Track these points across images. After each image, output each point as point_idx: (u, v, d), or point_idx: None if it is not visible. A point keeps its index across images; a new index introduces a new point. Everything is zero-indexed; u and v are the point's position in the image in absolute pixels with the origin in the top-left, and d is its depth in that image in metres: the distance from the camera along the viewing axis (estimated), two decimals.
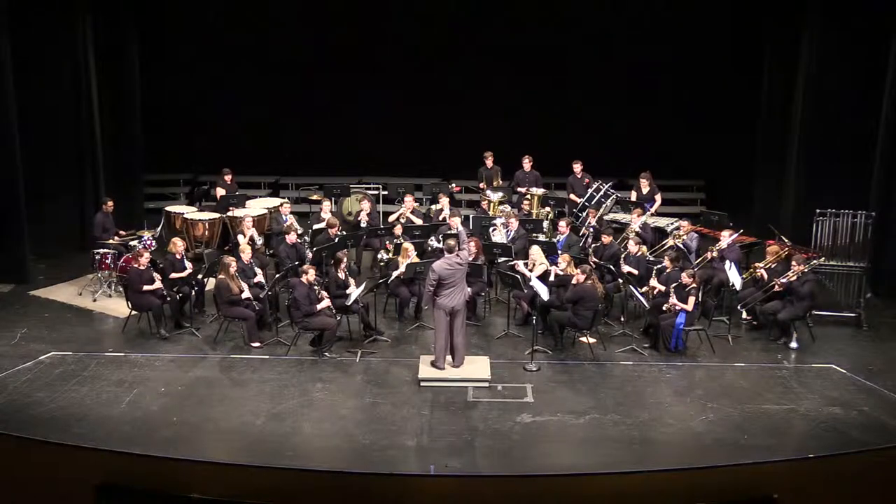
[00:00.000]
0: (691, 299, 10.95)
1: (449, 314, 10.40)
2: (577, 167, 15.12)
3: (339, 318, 11.24)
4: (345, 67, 17.22)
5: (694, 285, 11.03)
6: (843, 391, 10.19)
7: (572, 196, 15.01)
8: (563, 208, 15.05)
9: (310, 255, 12.52)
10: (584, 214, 14.24)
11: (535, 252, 11.88)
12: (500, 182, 15.45)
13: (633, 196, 14.78)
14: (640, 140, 16.93)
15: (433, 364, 10.46)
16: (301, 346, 11.19)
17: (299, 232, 13.08)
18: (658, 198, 14.64)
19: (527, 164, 15.22)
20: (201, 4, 17.10)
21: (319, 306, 10.97)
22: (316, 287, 11.02)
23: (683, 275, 11.15)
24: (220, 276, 11.23)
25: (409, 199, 14.17)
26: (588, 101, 16.81)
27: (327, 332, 10.96)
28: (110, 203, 13.55)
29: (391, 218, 14.10)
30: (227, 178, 15.20)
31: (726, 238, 12.20)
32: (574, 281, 11.02)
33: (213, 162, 16.31)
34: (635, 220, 13.28)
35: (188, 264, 11.94)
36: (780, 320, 11.35)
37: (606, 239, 12.67)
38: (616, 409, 9.74)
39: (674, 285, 11.14)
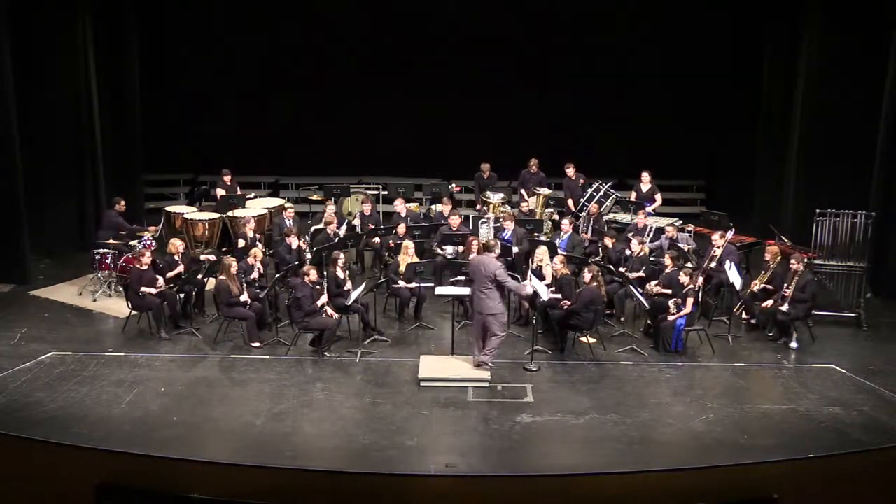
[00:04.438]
0: (689, 300, 10.95)
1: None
2: (570, 170, 15.11)
3: (339, 317, 11.24)
4: (345, 67, 17.25)
5: (692, 286, 11.03)
6: (843, 391, 10.19)
7: (570, 201, 14.98)
8: (563, 209, 15.04)
9: (309, 255, 12.51)
10: (585, 213, 14.25)
11: (542, 252, 11.89)
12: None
13: (633, 196, 14.77)
14: (640, 140, 16.95)
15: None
16: (301, 346, 11.19)
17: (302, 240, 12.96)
18: (658, 197, 14.63)
19: (533, 166, 15.21)
20: (201, 4, 17.10)
21: (318, 303, 10.97)
22: (318, 287, 11.01)
23: (681, 274, 11.15)
24: (221, 277, 11.23)
25: (398, 203, 14.11)
26: (588, 102, 16.82)
27: (327, 333, 10.96)
28: (122, 203, 13.56)
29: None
30: (227, 178, 15.20)
31: (718, 242, 12.14)
32: (585, 282, 11.03)
33: (213, 162, 16.33)
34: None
35: (181, 266, 11.93)
36: (779, 320, 11.34)
37: (609, 241, 12.67)
38: (616, 409, 9.73)
39: (665, 282, 11.17)
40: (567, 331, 11.13)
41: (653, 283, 11.59)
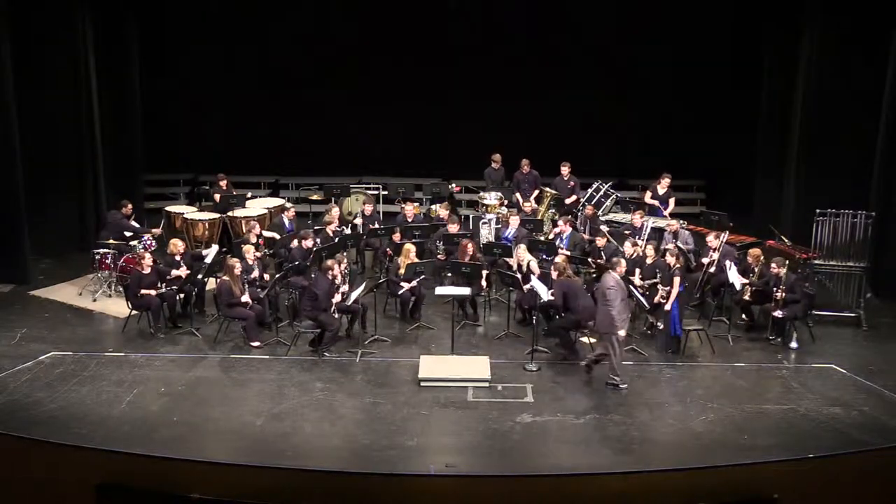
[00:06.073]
0: (676, 280, 10.91)
1: None
2: (565, 170, 15.10)
3: (341, 318, 11.24)
4: (345, 67, 17.23)
5: (678, 265, 11.01)
6: (843, 391, 10.19)
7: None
8: (562, 208, 15.02)
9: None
10: (581, 215, 14.25)
11: (522, 251, 11.85)
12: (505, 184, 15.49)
13: (648, 195, 14.65)
14: (640, 140, 16.94)
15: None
16: (301, 346, 11.19)
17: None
18: (672, 202, 14.56)
19: (525, 167, 15.21)
20: (201, 4, 17.10)
21: (335, 299, 10.97)
22: (338, 283, 11.00)
23: (667, 255, 11.14)
24: (224, 278, 11.22)
25: (409, 206, 14.09)
26: (588, 102, 16.80)
27: (328, 334, 10.96)
28: (129, 206, 13.59)
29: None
30: (223, 183, 15.18)
31: (714, 244, 12.11)
32: (553, 278, 10.95)
33: (213, 162, 16.35)
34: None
35: (182, 267, 11.91)
36: (776, 318, 11.29)
37: (601, 241, 12.65)
38: (616, 409, 9.74)
39: (650, 273, 11.17)
40: (567, 331, 11.08)
41: (637, 277, 11.54)
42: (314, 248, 12.32)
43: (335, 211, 13.93)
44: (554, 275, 10.91)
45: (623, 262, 10.60)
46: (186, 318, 11.83)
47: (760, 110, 15.77)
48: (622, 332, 10.14)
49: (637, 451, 8.94)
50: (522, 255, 11.79)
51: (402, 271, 11.82)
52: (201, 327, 11.75)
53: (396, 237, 13.08)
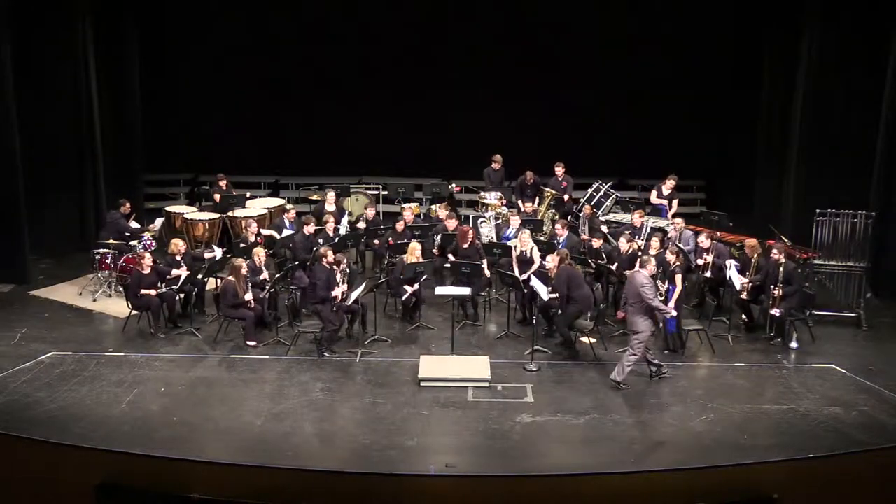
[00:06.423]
0: (677, 277, 10.90)
1: None
2: (559, 170, 15.11)
3: (344, 317, 11.24)
4: (345, 68, 17.24)
5: (678, 263, 11.01)
6: (843, 391, 10.19)
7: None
8: (561, 208, 15.02)
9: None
10: (581, 215, 14.25)
11: (526, 237, 11.85)
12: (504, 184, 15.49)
13: (654, 195, 14.66)
14: (640, 140, 16.94)
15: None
16: (301, 346, 11.19)
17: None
18: (675, 203, 14.59)
19: (530, 177, 15.19)
20: (201, 4, 17.10)
21: (334, 293, 10.96)
22: (336, 269, 10.99)
23: (667, 253, 11.14)
24: (230, 278, 11.22)
25: (408, 210, 14.07)
26: (588, 102, 16.80)
27: (327, 334, 10.95)
28: (128, 205, 13.58)
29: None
30: (223, 182, 15.19)
31: (705, 244, 12.08)
32: (553, 273, 10.95)
33: (213, 162, 16.35)
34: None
35: (182, 267, 11.90)
36: (775, 317, 11.28)
37: (597, 243, 12.65)
38: (616, 409, 9.74)
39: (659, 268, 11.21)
40: (570, 329, 11.05)
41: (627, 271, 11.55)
42: (315, 249, 12.34)
43: (331, 195, 13.91)
44: (555, 260, 10.93)
45: (653, 260, 10.57)
46: (186, 318, 11.83)
47: (760, 110, 15.79)
48: (674, 312, 10.49)
49: (637, 451, 8.94)
50: (526, 241, 11.84)
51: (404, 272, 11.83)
52: (201, 327, 11.75)
53: (400, 226, 13.07)
